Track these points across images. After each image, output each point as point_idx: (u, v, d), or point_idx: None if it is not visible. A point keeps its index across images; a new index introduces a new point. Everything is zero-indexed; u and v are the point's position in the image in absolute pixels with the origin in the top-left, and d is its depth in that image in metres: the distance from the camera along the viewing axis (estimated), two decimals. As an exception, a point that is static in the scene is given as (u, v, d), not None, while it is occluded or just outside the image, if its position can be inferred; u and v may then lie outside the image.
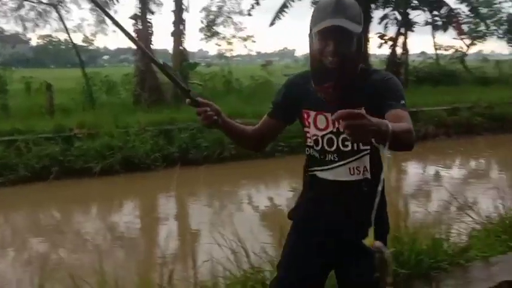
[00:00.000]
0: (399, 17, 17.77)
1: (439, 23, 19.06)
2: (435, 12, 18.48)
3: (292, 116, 1.92)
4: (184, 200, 7.75)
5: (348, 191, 1.82)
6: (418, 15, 19.03)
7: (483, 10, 24.78)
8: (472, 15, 19.21)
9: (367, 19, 16.94)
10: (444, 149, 10.52)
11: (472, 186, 6.94)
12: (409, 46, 18.38)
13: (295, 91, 1.89)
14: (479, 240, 3.61)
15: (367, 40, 16.84)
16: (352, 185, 1.81)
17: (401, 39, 17.51)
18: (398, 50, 17.55)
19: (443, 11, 17.44)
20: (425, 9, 18.38)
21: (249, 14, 17.46)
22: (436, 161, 9.54)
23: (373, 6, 17.90)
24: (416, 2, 17.42)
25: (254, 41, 23.79)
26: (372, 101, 1.68)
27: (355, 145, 1.77)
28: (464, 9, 18.76)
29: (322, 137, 1.82)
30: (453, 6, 17.94)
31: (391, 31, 18.59)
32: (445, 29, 18.97)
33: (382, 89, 1.73)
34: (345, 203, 1.83)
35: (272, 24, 17.23)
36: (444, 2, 17.31)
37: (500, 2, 26.65)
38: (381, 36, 18.52)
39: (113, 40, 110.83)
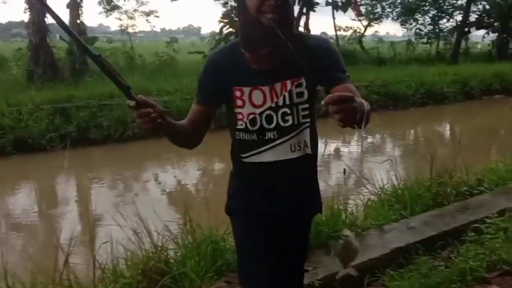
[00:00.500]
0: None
1: (339, 3, 19.74)
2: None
3: (223, 98, 1.72)
4: (84, 182, 7.38)
5: (289, 169, 1.70)
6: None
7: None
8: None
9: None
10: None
11: (369, 160, 7.30)
12: (311, 26, 18.86)
13: (221, 68, 1.69)
14: (375, 210, 3.81)
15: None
16: (293, 163, 1.69)
17: (303, 19, 17.87)
18: (301, 29, 17.88)
19: (342, -8, 18.07)
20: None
21: (152, -12, 16.88)
22: (335, 137, 9.91)
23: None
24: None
25: (157, 16, 23.12)
26: (313, 70, 1.56)
27: (295, 119, 1.66)
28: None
29: (260, 114, 1.65)
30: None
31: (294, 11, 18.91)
32: (344, 10, 19.71)
33: (323, 57, 1.63)
34: (286, 183, 1.74)
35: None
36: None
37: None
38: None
39: (3, 13, 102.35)
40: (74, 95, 9.98)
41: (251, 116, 1.66)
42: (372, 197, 4.12)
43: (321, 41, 1.72)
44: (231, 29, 18.62)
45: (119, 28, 21.33)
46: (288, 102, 1.64)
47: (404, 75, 14.46)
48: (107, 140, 8.93)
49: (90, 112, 9.25)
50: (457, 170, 4.47)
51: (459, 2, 28.38)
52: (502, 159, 5.30)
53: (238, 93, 1.66)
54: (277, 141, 1.67)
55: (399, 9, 26.24)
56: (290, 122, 1.66)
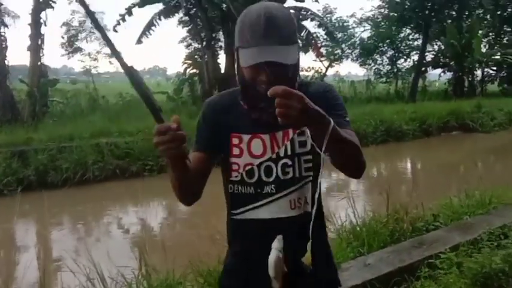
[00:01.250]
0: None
1: (300, 45, 20.28)
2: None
3: (219, 145, 1.52)
4: (41, 227, 7.16)
5: (288, 230, 1.45)
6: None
7: (339, 34, 26.97)
8: (329, 39, 20.76)
9: (232, 43, 17.44)
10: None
11: (328, 197, 7.38)
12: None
13: (219, 113, 1.54)
14: (334, 248, 3.83)
15: (235, 60, 17.24)
16: (293, 223, 1.48)
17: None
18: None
19: (303, 34, 18.56)
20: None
21: (115, 31, 16.97)
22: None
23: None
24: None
25: (121, 58, 23.12)
26: None
27: (296, 171, 1.48)
28: (322, 33, 20.29)
29: (259, 165, 1.48)
30: (312, 30, 19.28)
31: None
32: (305, 51, 20.24)
33: (325, 103, 1.39)
34: (287, 246, 1.42)
35: (139, 42, 16.92)
36: (304, 26, 18.46)
37: (353, 27, 29.22)
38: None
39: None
40: (33, 138, 9.83)
41: (248, 167, 1.49)
42: (332, 235, 4.15)
43: (324, 87, 1.58)
44: (194, 70, 18.88)
45: (83, 69, 21.22)
46: (289, 152, 1.48)
47: (364, 113, 14.83)
48: (66, 183, 8.74)
49: (49, 155, 9.07)
50: (413, 206, 4.57)
51: (415, 43, 29.71)
52: (457, 194, 5.45)
53: (236, 141, 1.50)
54: (276, 196, 1.48)
55: (358, 50, 27.20)
56: (291, 175, 1.48)
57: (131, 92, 18.53)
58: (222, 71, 17.41)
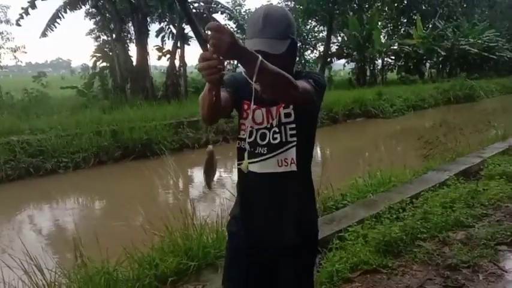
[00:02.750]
0: (175, 31, 18.49)
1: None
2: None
3: (236, 100, 1.85)
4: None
5: (275, 183, 1.84)
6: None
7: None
8: (239, 31, 21.12)
9: (145, 32, 17.26)
10: (224, 154, 11.43)
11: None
12: (187, 58, 19.30)
13: (239, 81, 1.85)
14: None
15: (146, 53, 17.15)
16: (279, 177, 1.84)
17: (178, 52, 18.22)
18: (177, 62, 18.25)
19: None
20: (198, 23, 19.55)
21: (18, 24, 16.10)
22: (218, 165, 10.31)
23: (149, 19, 18.31)
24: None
25: (25, 52, 22.00)
26: None
27: (283, 137, 1.83)
28: (232, 25, 20.61)
29: (257, 130, 1.85)
30: (223, 23, 19.53)
31: (169, 44, 19.25)
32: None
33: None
34: (276, 196, 1.87)
35: (44, 35, 16.20)
36: (214, 18, 18.66)
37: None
38: (159, 49, 19.04)
39: None
40: None
41: (249, 129, 1.86)
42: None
43: (311, 71, 1.94)
44: (105, 63, 18.43)
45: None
46: (277, 122, 1.84)
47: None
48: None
49: (-45, 156, 8.59)
50: (324, 187, 5.05)
51: (321, 35, 31.03)
52: (362, 175, 6.04)
53: (245, 107, 1.87)
54: (266, 156, 1.84)
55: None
56: (278, 140, 1.83)
57: (37, 87, 17.77)
58: (134, 63, 17.17)
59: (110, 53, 18.01)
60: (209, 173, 1.77)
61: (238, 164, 1.90)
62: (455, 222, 4.40)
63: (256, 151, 1.85)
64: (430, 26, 30.89)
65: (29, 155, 9.14)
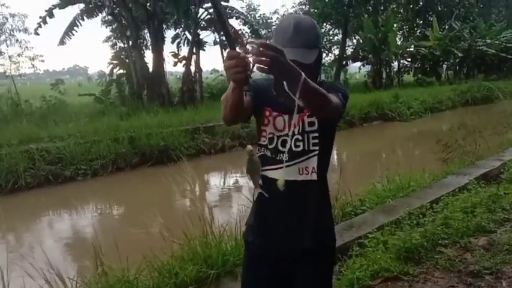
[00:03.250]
0: (190, 37, 18.59)
1: (225, 43, 20.49)
2: (222, 33, 19.89)
3: (256, 106, 1.86)
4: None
5: (296, 191, 1.83)
6: (207, 36, 20.24)
7: (263, 31, 27.53)
8: (254, 36, 21.17)
9: (161, 39, 17.40)
10: (241, 159, 11.47)
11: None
12: (202, 64, 19.38)
13: (260, 87, 1.89)
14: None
15: (162, 59, 17.28)
16: (300, 185, 1.84)
17: (194, 58, 18.31)
18: (192, 68, 18.34)
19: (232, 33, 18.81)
20: (214, 29, 19.68)
21: (36, 33, 16.35)
22: (235, 170, 10.34)
23: (164, 26, 18.46)
24: (204, 23, 18.48)
25: (43, 61, 22.32)
26: None
27: (305, 145, 1.84)
28: (247, 30, 20.69)
29: (278, 137, 1.86)
30: (237, 27, 19.61)
31: (184, 50, 19.36)
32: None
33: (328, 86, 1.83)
34: (295, 204, 1.87)
35: (62, 43, 16.43)
36: (229, 23, 18.74)
37: (277, 24, 29.79)
38: (175, 55, 19.15)
39: None
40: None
41: (270, 135, 1.88)
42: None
43: (331, 83, 1.94)
44: (121, 70, 18.61)
45: (1, 72, 20.05)
46: (300, 130, 1.84)
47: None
48: (-3, 192, 8.46)
49: (-24, 164, 8.73)
50: (342, 193, 5.02)
51: (336, 38, 30.92)
52: (380, 180, 5.99)
53: (267, 113, 1.88)
54: (288, 163, 1.81)
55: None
56: (300, 148, 1.84)
57: (55, 94, 17.97)
58: (150, 70, 17.30)
59: (127, 60, 18.16)
60: (253, 173, 1.76)
61: (262, 171, 1.88)
62: (477, 228, 4.33)
63: (278, 158, 1.86)
64: (447, 27, 30.56)
65: (48, 163, 9.25)
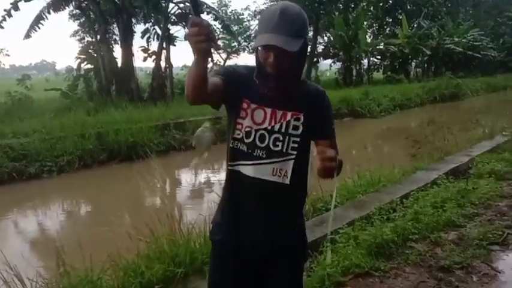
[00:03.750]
0: (160, 32, 18.33)
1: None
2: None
3: (231, 95, 1.76)
4: None
5: (267, 189, 1.79)
6: (178, 31, 19.95)
7: (234, 27, 27.40)
8: (225, 31, 21.05)
9: (130, 33, 17.08)
10: (211, 156, 11.32)
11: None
12: (172, 59, 19.13)
13: (240, 75, 1.80)
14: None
15: (131, 54, 16.96)
16: (271, 186, 1.78)
17: (164, 53, 18.06)
18: (163, 64, 18.09)
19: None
20: (184, 24, 19.43)
21: (1, 27, 15.79)
22: (205, 167, 10.20)
23: (134, 20, 18.12)
24: (175, 18, 18.23)
25: (8, 55, 21.66)
26: (310, 112, 1.79)
27: (284, 147, 1.78)
28: (218, 26, 20.49)
29: (256, 130, 1.77)
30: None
31: (154, 45, 19.07)
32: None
33: (320, 106, 1.85)
34: (265, 203, 1.81)
35: (28, 37, 15.94)
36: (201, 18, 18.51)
37: (248, 20, 29.81)
38: (144, 50, 18.85)
39: None
40: None
41: (247, 129, 1.77)
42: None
43: (321, 91, 1.90)
44: (89, 65, 18.20)
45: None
46: (283, 130, 1.77)
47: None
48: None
49: None
50: (313, 189, 4.96)
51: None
52: (351, 176, 5.97)
53: (245, 105, 1.78)
54: (263, 161, 1.77)
55: (253, 42, 27.79)
56: (279, 148, 1.77)
57: (20, 90, 17.46)
58: (119, 65, 16.96)
59: (95, 55, 17.78)
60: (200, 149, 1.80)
61: (230, 166, 1.83)
62: (447, 222, 4.35)
63: (255, 153, 1.78)
64: (415, 25, 31.08)
65: (12, 159, 8.94)
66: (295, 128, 1.78)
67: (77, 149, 9.76)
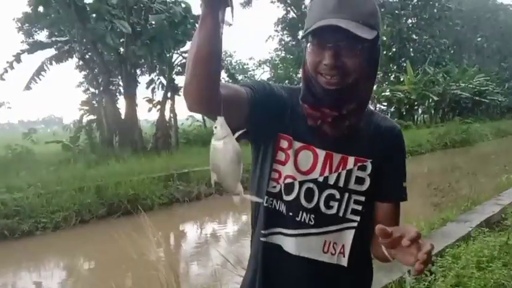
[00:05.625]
0: (165, 82, 18.19)
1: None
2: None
3: (261, 123, 1.17)
4: None
5: (313, 274, 1.22)
6: (182, 81, 19.78)
7: (240, 76, 27.42)
8: (231, 81, 20.89)
9: (134, 83, 16.90)
10: (217, 207, 10.69)
11: (245, 239, 7.02)
12: (177, 110, 18.85)
13: (281, 100, 1.21)
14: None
15: (135, 105, 16.71)
16: (321, 268, 1.22)
17: (168, 103, 17.85)
18: (167, 114, 17.83)
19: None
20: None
21: (2, 79, 15.57)
22: (210, 220, 9.64)
23: (138, 71, 18.01)
24: (180, 68, 18.09)
25: (10, 107, 21.56)
26: (380, 159, 1.22)
27: (342, 209, 1.21)
28: (224, 75, 20.37)
29: (301, 183, 1.20)
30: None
31: (159, 95, 18.91)
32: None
33: (394, 152, 1.28)
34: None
35: (28, 88, 15.68)
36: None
37: (253, 70, 29.94)
38: (149, 101, 18.67)
39: None
40: None
41: (288, 180, 1.20)
42: None
43: (396, 129, 1.32)
44: (92, 116, 17.92)
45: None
46: (341, 184, 1.20)
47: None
48: None
49: None
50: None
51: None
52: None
53: (284, 144, 1.20)
54: (310, 230, 1.20)
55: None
56: (334, 211, 1.21)
57: (26, 143, 17.15)
58: (122, 116, 16.65)
59: (97, 106, 17.53)
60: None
61: (263, 235, 1.24)
62: (496, 287, 3.68)
63: (298, 218, 1.20)
64: (420, 71, 31.11)
65: (4, 216, 8.34)
66: (360, 181, 1.22)
67: (74, 204, 9.19)
